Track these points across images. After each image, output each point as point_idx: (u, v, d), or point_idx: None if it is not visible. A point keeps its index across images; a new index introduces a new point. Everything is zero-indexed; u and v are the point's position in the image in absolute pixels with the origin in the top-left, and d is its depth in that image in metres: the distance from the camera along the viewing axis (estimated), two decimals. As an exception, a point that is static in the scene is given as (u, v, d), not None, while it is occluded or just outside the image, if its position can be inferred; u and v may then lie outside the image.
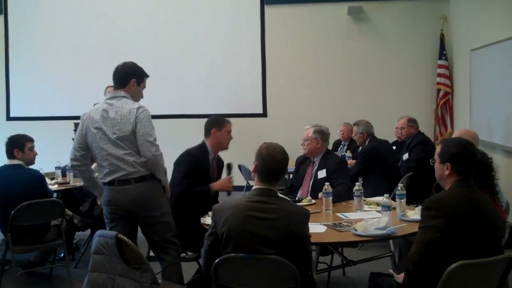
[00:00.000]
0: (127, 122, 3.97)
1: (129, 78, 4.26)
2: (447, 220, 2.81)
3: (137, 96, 4.26)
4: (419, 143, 6.72)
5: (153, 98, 9.91)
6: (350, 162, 7.00)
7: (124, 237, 3.40)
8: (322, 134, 4.92)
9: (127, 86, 4.22)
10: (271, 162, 3.09)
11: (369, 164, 6.33)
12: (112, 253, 3.39)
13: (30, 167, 5.24)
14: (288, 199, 4.00)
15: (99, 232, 3.54)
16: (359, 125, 6.78)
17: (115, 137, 3.95)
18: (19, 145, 5.16)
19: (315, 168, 4.91)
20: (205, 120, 8.85)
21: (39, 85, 10.23)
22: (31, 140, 5.29)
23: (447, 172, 3.01)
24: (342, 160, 5.04)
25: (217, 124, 4.73)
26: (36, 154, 5.33)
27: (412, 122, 6.98)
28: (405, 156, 6.80)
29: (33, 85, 10.27)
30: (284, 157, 3.15)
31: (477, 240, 2.82)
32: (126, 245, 3.37)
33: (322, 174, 4.81)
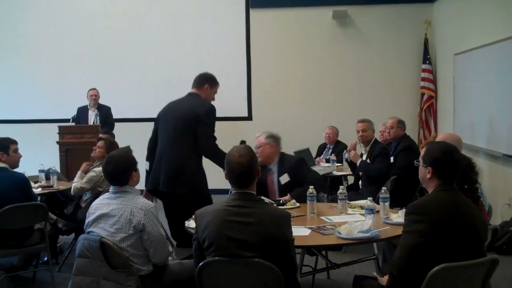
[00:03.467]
0: None
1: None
2: (431, 224, 2.83)
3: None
4: (405, 149, 6.68)
5: (138, 101, 9.94)
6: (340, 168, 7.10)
7: (108, 241, 3.39)
8: (274, 138, 4.98)
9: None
10: (235, 167, 3.06)
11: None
12: (96, 256, 3.39)
13: (14, 170, 5.21)
14: (270, 201, 4.01)
15: (84, 235, 3.53)
16: (370, 122, 6.60)
17: None
18: (4, 147, 5.13)
19: (275, 175, 4.92)
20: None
21: (22, 87, 10.12)
22: (15, 142, 5.26)
23: (428, 176, 3.04)
24: (300, 159, 5.09)
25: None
26: (21, 156, 5.31)
27: (401, 124, 6.95)
28: (391, 159, 6.81)
29: (16, 87, 10.15)
30: (248, 160, 3.07)
31: (460, 244, 2.85)
32: (110, 249, 3.37)
33: (285, 179, 4.84)
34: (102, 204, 3.57)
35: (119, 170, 3.58)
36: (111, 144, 5.86)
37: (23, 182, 5.09)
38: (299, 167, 4.83)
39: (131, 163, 3.66)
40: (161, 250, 3.51)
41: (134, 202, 3.48)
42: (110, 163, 3.60)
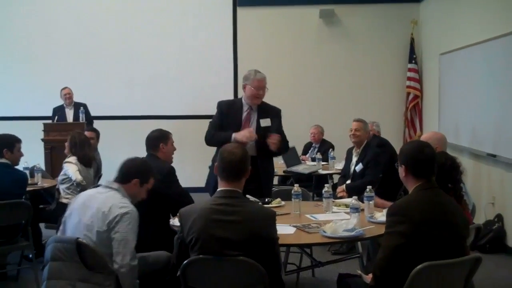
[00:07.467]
0: None
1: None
2: (412, 225, 2.84)
3: None
4: (377, 147, 6.71)
5: (124, 99, 9.90)
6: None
7: (84, 241, 3.29)
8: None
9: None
10: (230, 159, 3.08)
11: None
12: (71, 258, 3.26)
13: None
14: (255, 200, 4.02)
15: (54, 237, 3.39)
16: (366, 123, 6.37)
17: None
18: (9, 145, 5.18)
19: (254, 115, 4.94)
20: (176, 121, 8.83)
21: (6, 84, 10.02)
22: (20, 141, 5.33)
23: (403, 174, 3.07)
24: (279, 110, 5.15)
25: (164, 138, 4.61)
26: (23, 155, 5.38)
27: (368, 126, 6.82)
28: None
29: (0, 85, 10.06)
30: (240, 154, 3.11)
31: (441, 242, 2.86)
32: (86, 249, 3.26)
33: (266, 122, 4.91)
34: (89, 195, 3.54)
35: (128, 166, 3.63)
36: (72, 139, 5.92)
37: (25, 180, 5.26)
38: (275, 118, 5.01)
39: (141, 171, 3.66)
40: (121, 255, 3.30)
41: (117, 200, 3.42)
42: (130, 158, 3.72)
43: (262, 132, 4.85)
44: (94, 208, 3.39)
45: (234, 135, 4.69)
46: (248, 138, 4.68)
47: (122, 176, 3.59)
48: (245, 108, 4.97)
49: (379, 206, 4.31)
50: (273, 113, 5.05)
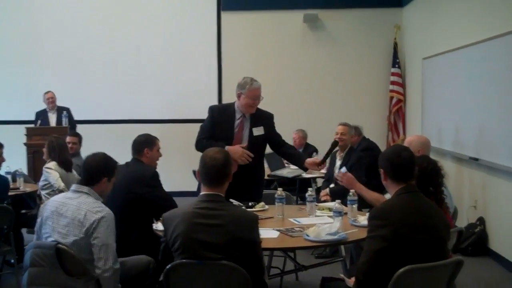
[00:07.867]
0: None
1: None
2: (394, 228, 2.86)
3: None
4: (363, 151, 6.74)
5: (107, 103, 9.85)
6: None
7: (64, 246, 3.24)
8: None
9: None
10: (212, 165, 3.07)
11: None
12: (51, 264, 3.23)
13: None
14: (238, 204, 4.02)
15: (34, 243, 3.36)
16: (351, 127, 6.46)
17: None
18: None
19: (247, 123, 4.85)
20: (160, 125, 8.82)
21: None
22: (2, 146, 5.33)
23: (382, 178, 3.09)
24: (272, 115, 5.08)
25: (149, 143, 4.56)
26: (4, 160, 5.32)
27: (356, 130, 6.94)
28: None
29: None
30: (223, 158, 3.09)
31: (423, 246, 2.88)
32: (66, 254, 3.23)
33: (259, 131, 4.84)
34: (59, 201, 3.43)
35: (93, 166, 3.50)
36: (49, 143, 5.87)
37: (7, 185, 5.24)
38: (272, 123, 4.98)
39: (107, 168, 3.55)
40: (103, 259, 3.26)
41: (91, 205, 3.34)
42: (91, 156, 3.57)
43: (255, 141, 4.81)
44: (68, 216, 3.31)
45: (227, 149, 4.46)
46: (243, 161, 4.61)
47: (90, 178, 3.48)
48: (238, 115, 4.87)
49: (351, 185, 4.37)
50: (266, 119, 4.99)
